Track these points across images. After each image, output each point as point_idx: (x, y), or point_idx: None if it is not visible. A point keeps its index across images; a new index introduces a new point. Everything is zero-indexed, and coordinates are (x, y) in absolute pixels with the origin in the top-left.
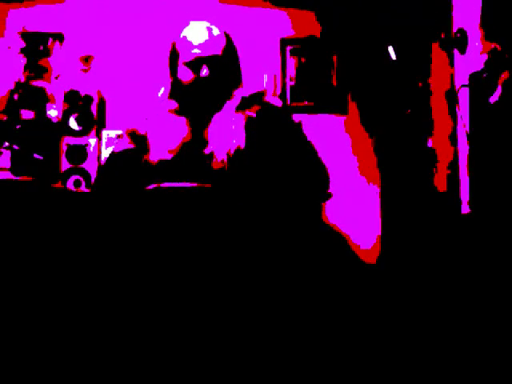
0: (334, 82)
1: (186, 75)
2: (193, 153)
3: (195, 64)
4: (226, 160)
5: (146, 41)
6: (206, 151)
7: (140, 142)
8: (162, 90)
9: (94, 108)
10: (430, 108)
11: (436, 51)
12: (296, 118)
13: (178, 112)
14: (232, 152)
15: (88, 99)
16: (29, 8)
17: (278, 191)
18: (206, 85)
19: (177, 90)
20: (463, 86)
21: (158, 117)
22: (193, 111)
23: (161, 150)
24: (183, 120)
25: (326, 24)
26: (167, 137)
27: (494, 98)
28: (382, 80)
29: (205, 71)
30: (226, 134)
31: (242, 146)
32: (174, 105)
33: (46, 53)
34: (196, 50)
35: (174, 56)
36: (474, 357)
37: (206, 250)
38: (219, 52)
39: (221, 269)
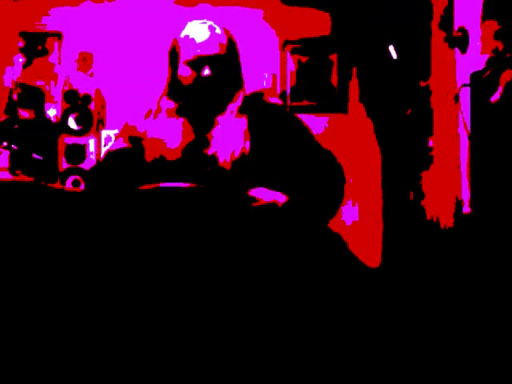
0: (334, 82)
1: (186, 75)
2: (195, 154)
3: (197, 63)
4: (229, 161)
5: (145, 40)
6: (209, 153)
7: (136, 141)
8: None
9: (93, 107)
10: (430, 108)
11: (436, 50)
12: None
13: (178, 112)
14: (236, 155)
15: (87, 98)
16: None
17: (286, 193)
18: (207, 85)
19: (175, 90)
20: (464, 85)
21: (156, 116)
22: (193, 112)
23: (160, 151)
24: (183, 121)
25: (326, 23)
26: (166, 137)
27: (495, 98)
28: (383, 79)
29: (207, 71)
30: (229, 135)
31: (247, 148)
32: (172, 104)
33: (45, 52)
34: (198, 50)
35: (174, 55)
36: (478, 358)
37: (204, 251)
38: (221, 51)
39: (217, 271)
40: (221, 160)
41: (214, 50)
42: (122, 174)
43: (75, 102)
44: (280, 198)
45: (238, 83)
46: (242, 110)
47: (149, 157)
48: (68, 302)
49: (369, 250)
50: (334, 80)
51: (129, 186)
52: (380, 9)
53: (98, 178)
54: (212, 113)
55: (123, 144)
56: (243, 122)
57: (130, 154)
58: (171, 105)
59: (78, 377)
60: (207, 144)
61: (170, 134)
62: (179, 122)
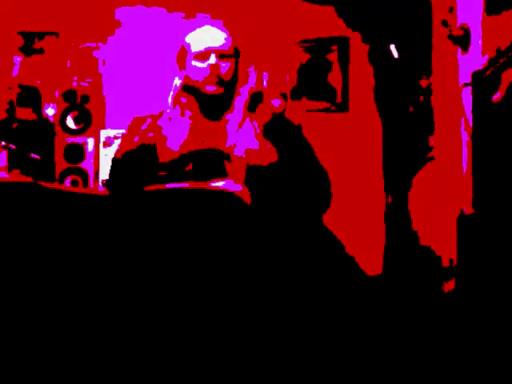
0: (335, 81)
1: (195, 69)
2: (211, 150)
3: (204, 54)
4: (245, 158)
5: (145, 39)
6: (223, 150)
7: (152, 137)
8: (176, 81)
9: (92, 107)
10: (431, 107)
11: (438, 49)
12: (296, 117)
13: (191, 107)
14: (251, 154)
15: (86, 98)
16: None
17: (281, 197)
18: (215, 74)
19: (187, 86)
20: (466, 84)
21: (169, 113)
22: (205, 106)
23: (175, 146)
24: (197, 116)
25: (327, 22)
26: (181, 133)
27: (496, 97)
28: (384, 78)
29: (213, 59)
30: (243, 133)
31: (257, 148)
32: (184, 99)
33: (44, 51)
34: (205, 44)
35: (182, 56)
36: (479, 365)
37: (205, 253)
38: (226, 47)
39: (217, 272)
40: (235, 158)
41: (220, 44)
42: (142, 171)
43: (74, 101)
44: (235, 187)
45: (242, 79)
46: (250, 107)
47: (165, 153)
48: (67, 303)
49: (370, 257)
50: (335, 79)
51: (134, 187)
52: (381, 8)
53: (119, 179)
54: (222, 107)
55: (141, 140)
56: (255, 122)
57: (149, 150)
58: (184, 100)
59: (78, 377)
60: (223, 140)
61: (183, 129)
62: (193, 117)
